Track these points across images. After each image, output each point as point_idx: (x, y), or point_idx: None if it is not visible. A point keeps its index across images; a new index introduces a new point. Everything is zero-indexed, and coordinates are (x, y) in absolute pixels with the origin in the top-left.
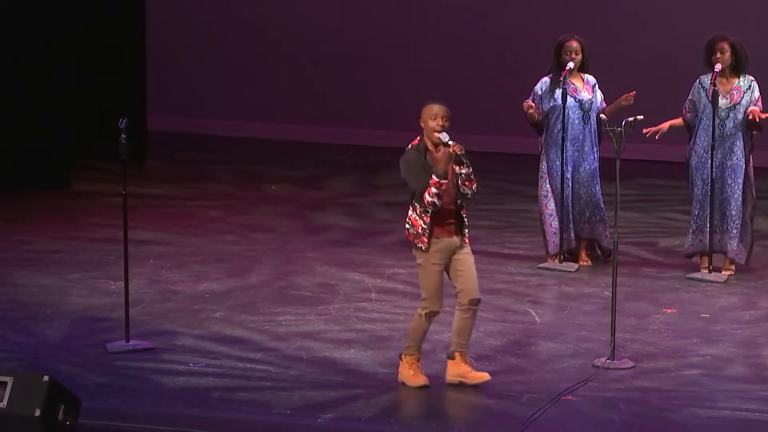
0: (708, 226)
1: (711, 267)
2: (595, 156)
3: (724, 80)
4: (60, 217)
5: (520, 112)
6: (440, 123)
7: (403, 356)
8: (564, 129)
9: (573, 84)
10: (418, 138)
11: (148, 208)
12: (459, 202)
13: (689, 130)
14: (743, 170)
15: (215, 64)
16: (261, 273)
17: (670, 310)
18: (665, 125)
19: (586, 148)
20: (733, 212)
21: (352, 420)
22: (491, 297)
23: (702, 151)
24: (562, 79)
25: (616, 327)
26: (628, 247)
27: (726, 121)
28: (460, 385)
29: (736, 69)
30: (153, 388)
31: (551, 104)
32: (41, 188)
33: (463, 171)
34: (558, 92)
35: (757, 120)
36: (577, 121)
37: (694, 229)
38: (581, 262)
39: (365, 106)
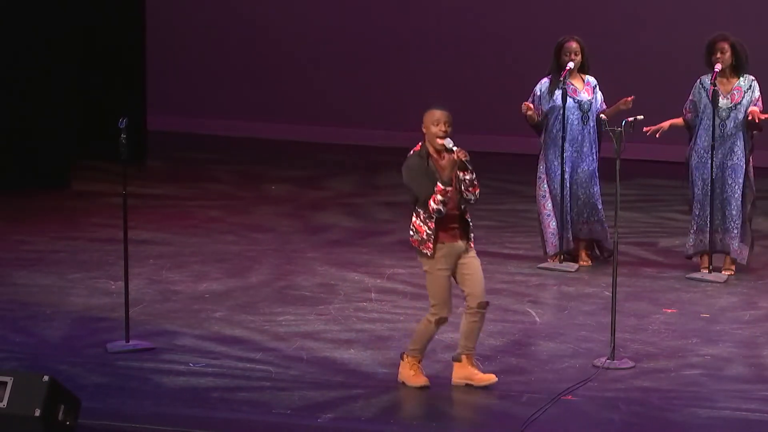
0: (708, 226)
1: (711, 267)
2: (594, 157)
3: (725, 80)
4: (60, 217)
5: (520, 113)
6: (443, 128)
7: (405, 356)
8: (563, 129)
9: (573, 85)
10: (420, 144)
11: (148, 208)
12: (462, 206)
13: (689, 130)
14: (743, 170)
15: (215, 64)
16: (261, 273)
17: (670, 310)
18: (666, 124)
19: (584, 149)
20: (734, 212)
21: (352, 420)
22: (491, 297)
23: (702, 151)
24: (562, 79)
25: (616, 327)
26: (628, 247)
27: (726, 121)
28: (460, 386)
29: (737, 69)
30: (153, 388)
31: (550, 105)
32: (41, 188)
33: (467, 177)
34: (557, 93)
35: (757, 121)
36: (576, 122)
37: (695, 229)
38: (581, 262)
39: (365, 106)
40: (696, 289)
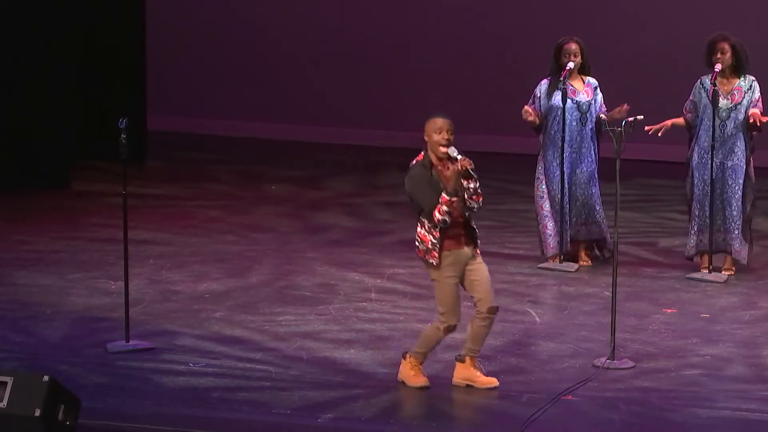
0: (709, 226)
1: (711, 267)
2: (593, 158)
3: (725, 81)
4: (60, 217)
5: (520, 113)
6: (445, 136)
7: (407, 356)
8: (562, 130)
9: (572, 86)
10: (422, 153)
11: (148, 208)
12: (467, 213)
13: (689, 130)
14: (744, 170)
15: (215, 64)
16: (261, 273)
17: (670, 310)
18: (667, 123)
19: (583, 150)
20: (734, 213)
21: (352, 420)
22: None
23: (703, 152)
24: (561, 80)
25: (616, 327)
26: (628, 247)
27: (727, 122)
28: (461, 386)
29: (737, 69)
30: (153, 388)
31: (549, 105)
32: (41, 188)
33: (471, 185)
34: (556, 94)
35: (758, 124)
36: (574, 123)
37: (696, 230)
38: (581, 262)
39: (365, 106)
40: (696, 289)
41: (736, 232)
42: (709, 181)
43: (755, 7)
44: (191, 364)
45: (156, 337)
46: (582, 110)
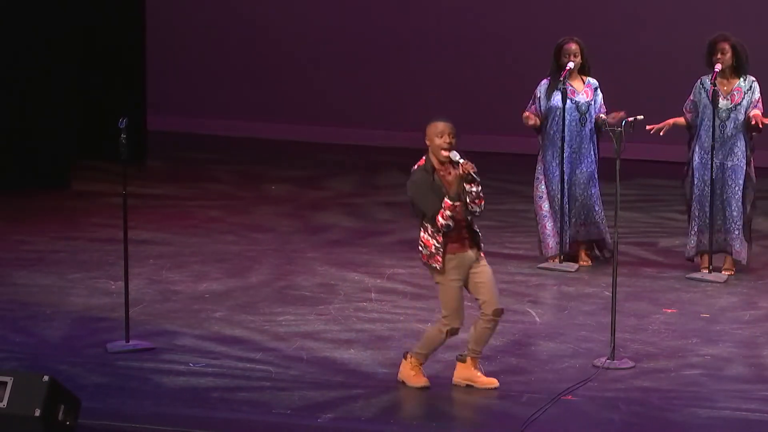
0: (709, 226)
1: (711, 267)
2: (593, 159)
3: (725, 81)
4: (60, 217)
5: (520, 113)
6: (447, 140)
7: (408, 356)
8: (562, 131)
9: (571, 86)
10: (423, 158)
11: (148, 208)
12: (469, 217)
13: (689, 130)
14: (744, 171)
15: (215, 64)
16: (261, 273)
17: (670, 310)
18: (669, 122)
19: (583, 151)
20: (735, 213)
21: (352, 420)
22: None
23: (703, 152)
24: (561, 80)
25: (616, 327)
26: (628, 247)
27: (726, 122)
28: (461, 386)
29: (737, 70)
30: (153, 388)
31: (548, 106)
32: (41, 188)
33: (474, 189)
34: (555, 94)
35: (760, 126)
36: (573, 124)
37: (696, 230)
38: (581, 262)
39: (365, 106)
40: (696, 289)
41: (737, 232)
42: (709, 181)
43: (755, 7)
44: (191, 364)
45: (156, 337)
46: (581, 111)
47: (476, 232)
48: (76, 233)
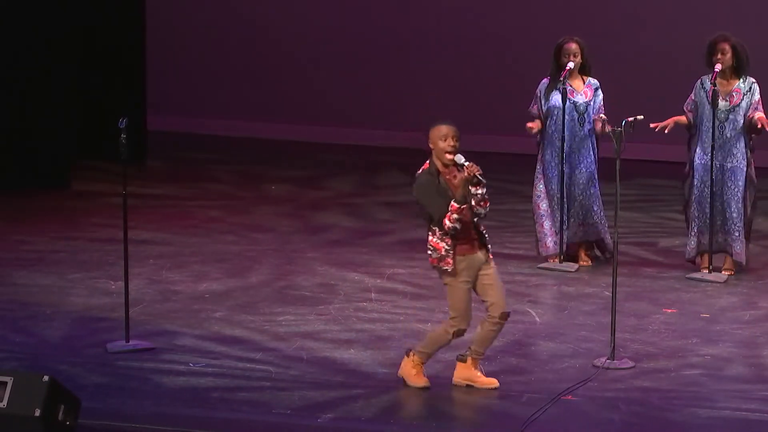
0: (709, 227)
1: (711, 267)
2: (592, 159)
3: (725, 82)
4: (60, 217)
5: (520, 113)
6: (451, 143)
7: (411, 354)
8: (559, 131)
9: (571, 86)
10: (428, 162)
11: (148, 208)
12: (476, 219)
13: (689, 129)
14: (744, 172)
15: (215, 64)
16: (261, 273)
17: (670, 310)
18: (672, 120)
19: (582, 151)
20: (734, 215)
21: (352, 420)
22: None
23: (702, 153)
24: (561, 80)
25: (616, 327)
26: (628, 247)
27: (725, 123)
28: (461, 386)
29: (737, 70)
30: (153, 388)
31: (547, 105)
32: (41, 188)
33: (479, 191)
34: (554, 93)
35: (766, 128)
36: (572, 123)
37: (695, 231)
38: (581, 262)
39: (365, 106)
40: (696, 289)
41: (737, 234)
42: (708, 182)
43: (755, 7)
44: (191, 364)
45: (156, 337)
46: (579, 111)
47: (483, 233)
48: (76, 233)
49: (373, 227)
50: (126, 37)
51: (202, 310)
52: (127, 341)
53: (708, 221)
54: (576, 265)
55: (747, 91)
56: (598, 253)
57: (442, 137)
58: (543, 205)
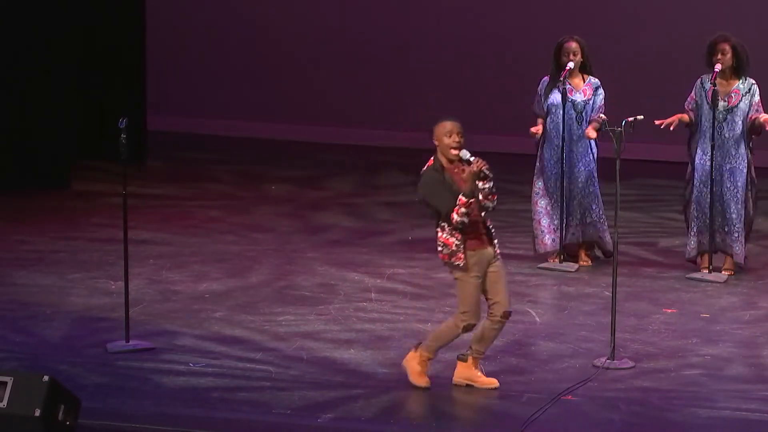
0: (709, 227)
1: (711, 267)
2: (591, 158)
3: (724, 82)
4: (60, 217)
5: (520, 113)
6: (456, 139)
7: (418, 349)
8: (558, 129)
9: (570, 84)
10: (432, 159)
11: (148, 208)
12: (483, 213)
13: (689, 127)
14: (743, 173)
15: (215, 64)
16: (261, 273)
17: (670, 310)
18: (676, 117)
19: (580, 149)
20: (734, 216)
21: (352, 420)
22: None
23: (702, 153)
24: (561, 79)
25: (616, 327)
26: (628, 247)
27: (723, 124)
28: (461, 386)
29: (737, 71)
30: (153, 388)
31: (547, 104)
32: (41, 188)
33: (486, 186)
34: (553, 92)
35: None
36: (570, 122)
37: (695, 231)
38: (581, 262)
39: (365, 106)
40: (696, 289)
41: (736, 234)
42: (707, 182)
43: (755, 7)
44: (191, 364)
45: (156, 337)
46: (577, 109)
47: (491, 229)
48: (76, 233)
49: (373, 227)
50: (126, 37)
51: (202, 310)
52: (127, 341)
53: (708, 221)
54: (576, 265)
55: (746, 93)
56: (598, 253)
57: (447, 133)
58: (541, 203)
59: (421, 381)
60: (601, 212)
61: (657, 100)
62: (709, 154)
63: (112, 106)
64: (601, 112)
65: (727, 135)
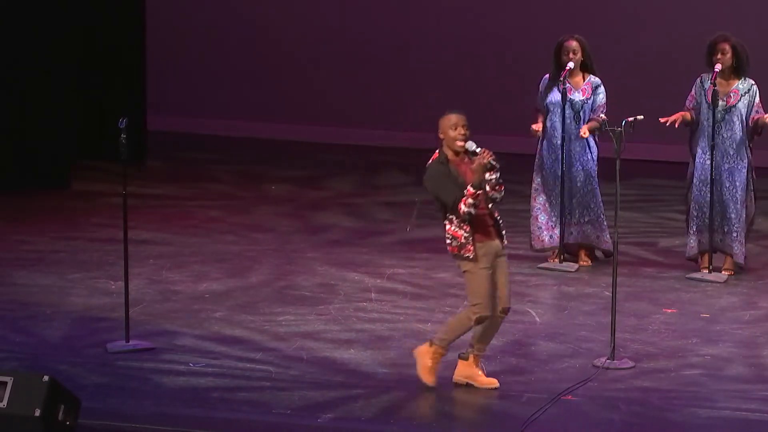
0: (708, 227)
1: (711, 267)
2: (590, 157)
3: (724, 82)
4: (60, 217)
5: (520, 113)
6: (461, 132)
7: (432, 344)
8: (555, 127)
9: (570, 83)
10: (437, 152)
11: (148, 208)
12: (490, 205)
13: (690, 125)
14: (742, 173)
15: (215, 64)
16: (261, 273)
17: (670, 310)
18: (679, 115)
19: (578, 148)
20: (733, 216)
21: (352, 420)
22: None
23: (702, 152)
24: (561, 79)
25: (616, 327)
26: (628, 247)
27: (722, 123)
28: (461, 386)
29: (737, 71)
30: (153, 388)
31: (545, 102)
32: (41, 188)
33: (493, 176)
34: (553, 91)
35: None
36: (568, 120)
37: (695, 230)
38: (581, 262)
39: (365, 106)
40: (696, 289)
41: (735, 234)
42: (707, 181)
43: (755, 7)
44: (191, 364)
45: (156, 337)
46: (575, 108)
47: (499, 221)
48: (76, 233)
49: (373, 227)
50: (126, 37)
51: (202, 310)
52: (127, 341)
53: (707, 221)
54: (576, 265)
55: (745, 93)
56: (599, 253)
57: (452, 126)
58: (539, 199)
59: (429, 378)
60: (600, 211)
61: (657, 100)
62: (709, 153)
63: (112, 106)
64: (601, 112)
65: (725, 135)
